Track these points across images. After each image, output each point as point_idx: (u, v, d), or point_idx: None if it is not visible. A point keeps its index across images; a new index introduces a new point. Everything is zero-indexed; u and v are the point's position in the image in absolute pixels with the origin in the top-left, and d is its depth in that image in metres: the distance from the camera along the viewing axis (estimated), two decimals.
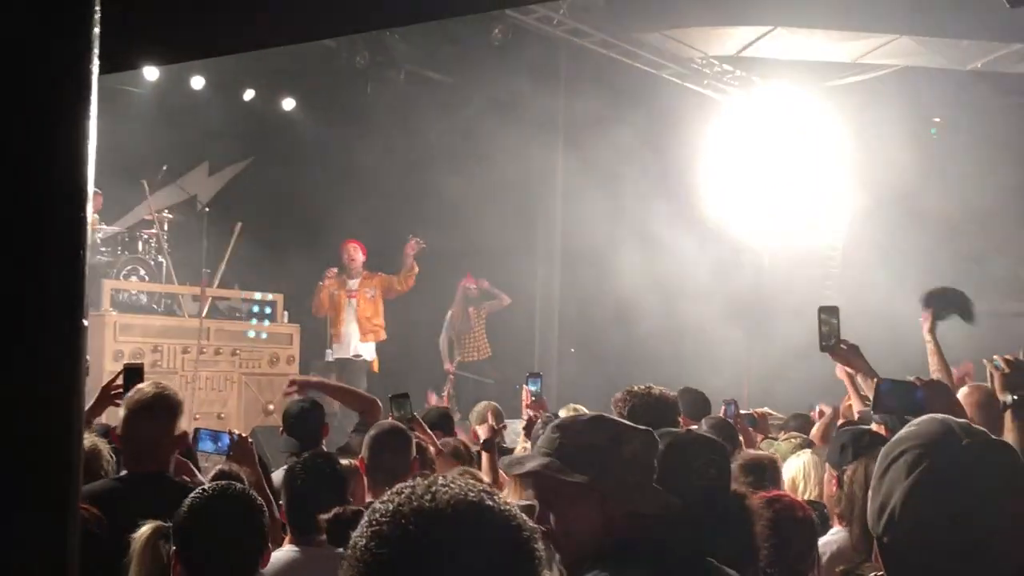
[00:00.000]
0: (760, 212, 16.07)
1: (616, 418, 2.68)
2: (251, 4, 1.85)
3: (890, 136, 14.37)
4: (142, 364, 5.09)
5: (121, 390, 4.82)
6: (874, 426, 4.45)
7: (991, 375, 3.94)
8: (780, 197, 16.06)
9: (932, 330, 5.66)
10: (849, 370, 4.62)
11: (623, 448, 2.51)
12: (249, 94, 14.39)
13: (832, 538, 3.88)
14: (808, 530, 3.57)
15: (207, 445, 5.30)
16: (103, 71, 1.15)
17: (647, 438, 2.60)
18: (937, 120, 16.17)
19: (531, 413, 5.77)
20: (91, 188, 1.12)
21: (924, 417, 1.91)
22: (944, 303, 5.65)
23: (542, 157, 14.78)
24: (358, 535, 1.48)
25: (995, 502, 1.72)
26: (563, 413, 5.52)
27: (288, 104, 14.82)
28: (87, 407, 5.10)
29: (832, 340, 4.46)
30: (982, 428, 1.88)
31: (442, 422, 6.47)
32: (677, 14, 13.63)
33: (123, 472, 4.20)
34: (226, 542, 3.09)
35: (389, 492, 1.51)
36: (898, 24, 12.90)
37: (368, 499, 4.55)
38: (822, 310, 4.50)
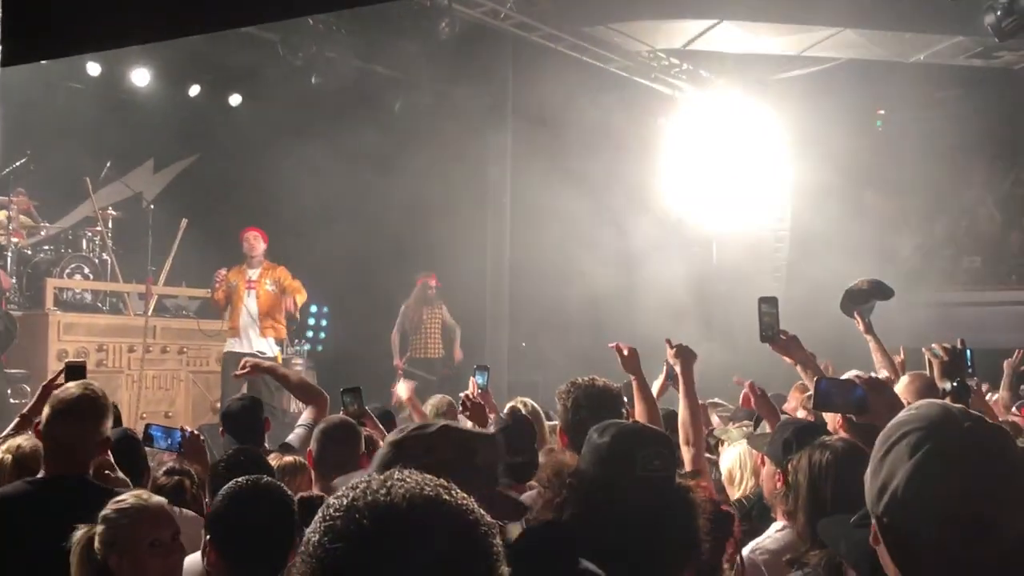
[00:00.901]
0: (708, 204, 16.16)
1: (460, 427, 2.59)
2: None
3: (836, 128, 14.51)
4: (84, 362, 5.00)
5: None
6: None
7: (929, 363, 3.97)
8: (727, 190, 16.16)
9: (868, 329, 5.71)
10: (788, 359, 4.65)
11: (473, 459, 2.41)
12: (194, 89, 14.25)
13: (778, 534, 3.88)
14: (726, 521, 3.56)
15: (159, 441, 5.24)
16: (7, 62, 1.12)
17: (492, 443, 2.51)
18: (882, 112, 16.36)
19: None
20: None
21: (923, 401, 1.97)
22: (860, 299, 5.70)
23: (491, 150, 14.78)
24: (312, 531, 1.46)
25: (995, 481, 1.79)
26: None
27: (234, 99, 14.70)
28: (28, 407, 5.03)
29: (772, 331, 4.49)
30: (976, 413, 1.94)
31: (384, 420, 6.39)
32: (623, 8, 13.66)
33: (40, 474, 4.04)
34: (261, 532, 3.11)
35: (344, 487, 1.49)
36: (841, 17, 13.01)
37: (316, 491, 4.51)
38: (762, 300, 4.53)
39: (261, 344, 11.77)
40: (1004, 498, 1.80)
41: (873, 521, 1.88)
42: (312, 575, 1.43)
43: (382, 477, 1.48)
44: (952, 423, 1.85)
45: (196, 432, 5.22)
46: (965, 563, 1.79)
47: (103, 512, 3.34)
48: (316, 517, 1.47)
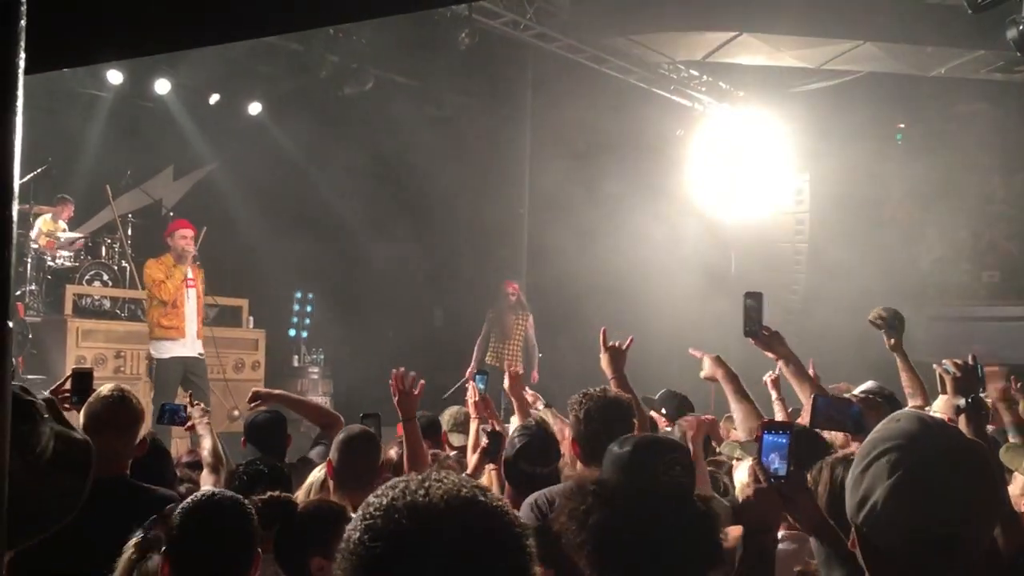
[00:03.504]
0: (727, 216, 16.14)
1: None
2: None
3: (855, 141, 14.47)
4: (91, 369, 5.05)
5: (69, 394, 4.75)
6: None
7: (941, 379, 3.95)
8: (746, 202, 16.14)
9: (897, 346, 5.69)
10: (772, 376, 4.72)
11: None
12: (214, 98, 14.31)
13: (784, 543, 3.86)
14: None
15: (170, 419, 5.35)
16: (33, 70, 1.12)
17: None
18: (902, 125, 16.30)
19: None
20: (16, 185, 1.09)
21: (903, 414, 2.07)
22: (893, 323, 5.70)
23: (509, 160, 14.80)
24: (352, 528, 1.50)
25: (967, 500, 1.90)
26: (515, 421, 5.50)
27: (254, 108, 14.74)
28: None
29: (755, 325, 4.54)
30: (956, 426, 2.03)
31: (430, 430, 6.34)
32: (644, 19, 13.66)
33: None
34: (218, 548, 3.10)
35: (382, 487, 1.53)
36: (862, 30, 12.97)
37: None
38: (747, 296, 4.59)
39: (199, 346, 10.96)
40: (974, 517, 1.92)
41: (852, 528, 2.03)
42: (352, 572, 1.48)
43: (420, 478, 1.52)
44: (929, 442, 1.95)
45: (204, 407, 5.31)
46: (933, 573, 1.91)
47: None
48: (356, 515, 1.52)
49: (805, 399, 4.71)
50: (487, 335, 13.80)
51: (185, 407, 5.30)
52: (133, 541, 3.25)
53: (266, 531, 3.57)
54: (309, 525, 3.52)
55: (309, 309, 16.22)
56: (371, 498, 1.52)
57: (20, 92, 1.07)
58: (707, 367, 4.89)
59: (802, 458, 3.57)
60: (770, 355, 4.69)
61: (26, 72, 1.09)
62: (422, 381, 4.88)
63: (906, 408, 2.10)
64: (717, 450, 6.52)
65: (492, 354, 13.66)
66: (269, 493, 3.71)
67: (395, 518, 1.46)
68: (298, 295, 16.02)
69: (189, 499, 3.25)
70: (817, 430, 4.22)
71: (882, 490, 1.92)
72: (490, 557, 1.48)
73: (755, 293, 4.61)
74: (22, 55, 1.07)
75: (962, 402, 3.79)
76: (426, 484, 1.51)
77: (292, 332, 15.34)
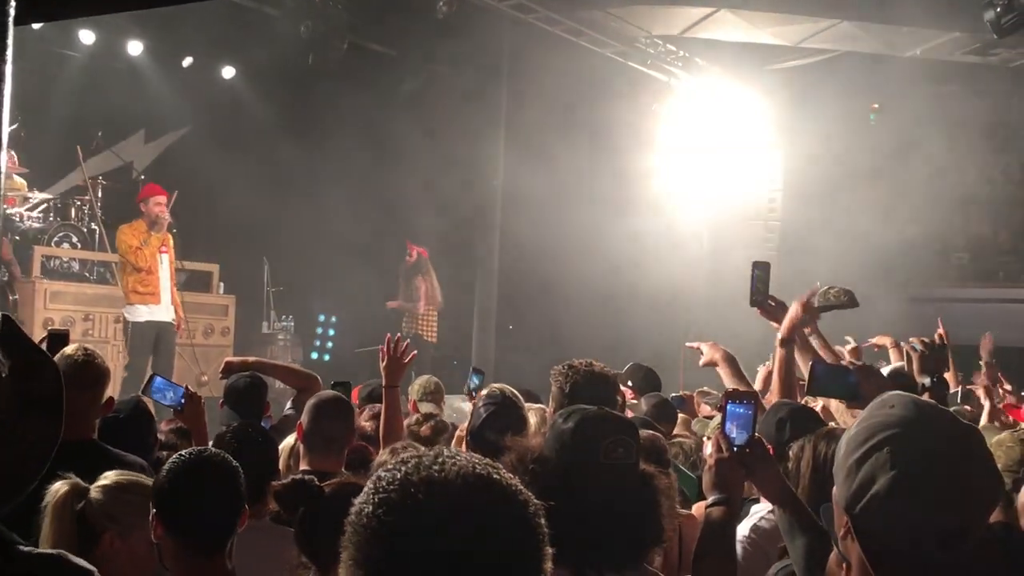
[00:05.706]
0: (700, 192, 16.16)
1: None
2: None
3: (829, 120, 14.50)
4: (67, 331, 4.96)
5: None
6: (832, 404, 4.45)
7: (908, 357, 3.99)
8: (719, 178, 16.17)
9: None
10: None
11: None
12: (187, 61, 14.17)
13: (772, 515, 3.86)
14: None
15: (159, 394, 5.20)
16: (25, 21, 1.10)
17: None
18: (876, 106, 16.35)
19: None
20: (5, 134, 1.07)
21: (894, 397, 2.00)
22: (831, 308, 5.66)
23: (483, 131, 14.74)
24: (363, 501, 1.49)
25: (971, 489, 1.88)
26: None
27: (228, 72, 14.62)
28: None
29: (762, 296, 4.58)
30: (949, 411, 2.04)
31: (373, 398, 6.32)
32: None
33: None
34: (206, 504, 3.09)
35: (394, 460, 1.53)
36: (839, 9, 13.00)
37: (303, 466, 4.49)
38: (756, 265, 4.62)
39: (171, 312, 10.95)
40: (977, 506, 1.90)
41: (847, 518, 1.95)
42: (365, 545, 1.46)
43: (433, 454, 1.52)
44: (929, 429, 1.91)
45: (198, 394, 5.16)
46: (935, 564, 1.87)
47: (121, 479, 3.33)
48: (366, 488, 1.50)
49: (805, 369, 4.72)
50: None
51: (186, 389, 5.12)
52: (64, 486, 3.23)
53: (289, 515, 3.57)
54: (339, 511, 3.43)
55: (331, 333, 16.29)
56: (382, 472, 1.51)
57: (11, 42, 1.06)
58: (707, 353, 4.89)
59: (797, 432, 3.58)
60: (774, 325, 4.68)
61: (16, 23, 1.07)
62: (414, 352, 4.86)
63: (895, 392, 2.05)
64: (692, 425, 6.56)
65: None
66: (292, 477, 3.71)
67: (411, 492, 1.45)
68: (321, 318, 16.12)
69: (176, 456, 3.22)
70: (812, 404, 4.24)
71: (884, 481, 1.88)
72: (507, 533, 1.47)
73: (763, 263, 4.63)
74: (13, 4, 1.05)
75: (927, 380, 3.82)
76: (440, 460, 1.50)
77: (314, 355, 15.36)
